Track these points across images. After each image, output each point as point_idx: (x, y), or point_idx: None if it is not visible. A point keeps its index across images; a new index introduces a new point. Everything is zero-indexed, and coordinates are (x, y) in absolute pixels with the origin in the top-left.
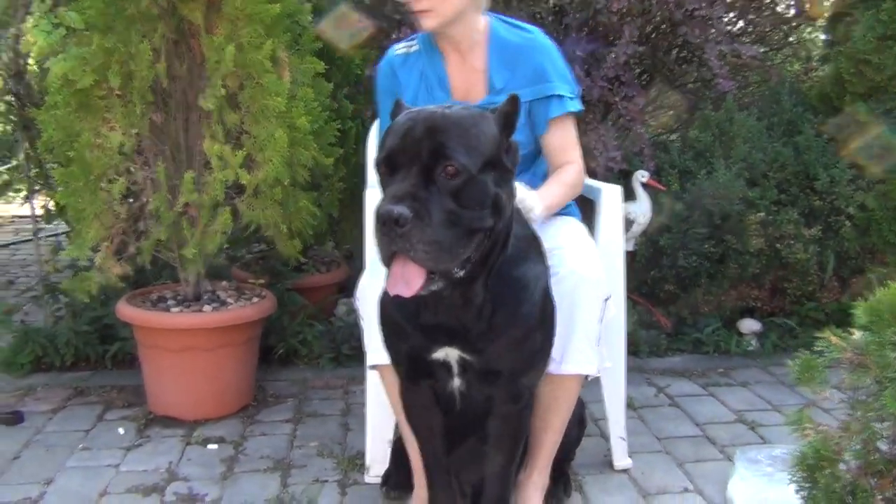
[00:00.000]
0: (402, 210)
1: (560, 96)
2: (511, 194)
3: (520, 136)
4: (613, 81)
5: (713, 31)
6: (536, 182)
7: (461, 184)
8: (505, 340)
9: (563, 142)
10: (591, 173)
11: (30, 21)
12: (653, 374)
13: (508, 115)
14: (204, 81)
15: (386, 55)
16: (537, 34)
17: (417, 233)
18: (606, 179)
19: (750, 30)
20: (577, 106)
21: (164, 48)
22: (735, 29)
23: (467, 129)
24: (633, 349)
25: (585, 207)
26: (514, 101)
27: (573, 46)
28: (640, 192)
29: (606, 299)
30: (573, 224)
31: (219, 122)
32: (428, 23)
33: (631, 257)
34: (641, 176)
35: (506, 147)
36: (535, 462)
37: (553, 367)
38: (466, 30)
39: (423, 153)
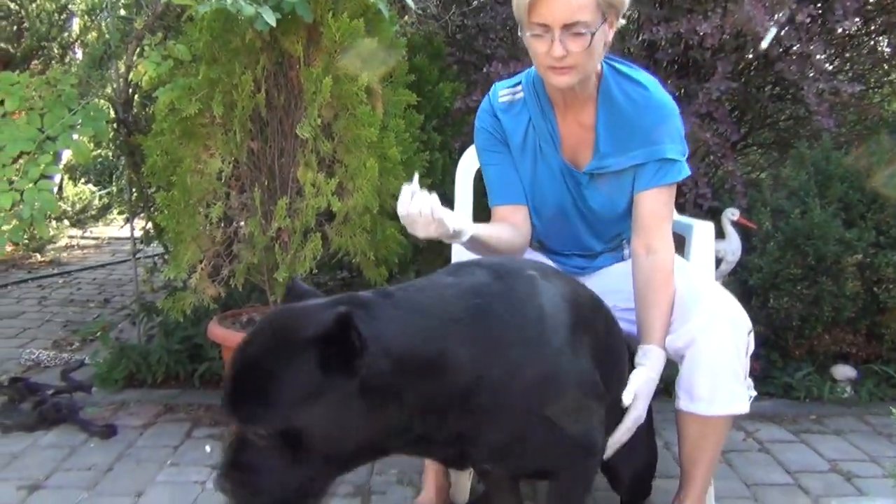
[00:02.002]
0: (223, 485)
1: (671, 161)
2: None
3: (614, 198)
4: (705, 117)
5: (811, 67)
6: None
7: (271, 443)
8: (514, 461)
9: (659, 210)
10: (680, 209)
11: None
12: (741, 418)
13: (329, 340)
14: (301, 111)
15: (488, 98)
16: (653, 91)
17: (252, 500)
18: (695, 216)
19: (847, 68)
20: (685, 172)
21: (264, 79)
22: (832, 67)
23: (262, 380)
24: None
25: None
26: (340, 320)
27: (663, 82)
28: (730, 230)
29: (749, 332)
30: (681, 268)
31: (313, 150)
32: (565, 80)
33: None
34: (731, 214)
35: (341, 363)
36: (687, 493)
37: (703, 409)
38: (587, 85)
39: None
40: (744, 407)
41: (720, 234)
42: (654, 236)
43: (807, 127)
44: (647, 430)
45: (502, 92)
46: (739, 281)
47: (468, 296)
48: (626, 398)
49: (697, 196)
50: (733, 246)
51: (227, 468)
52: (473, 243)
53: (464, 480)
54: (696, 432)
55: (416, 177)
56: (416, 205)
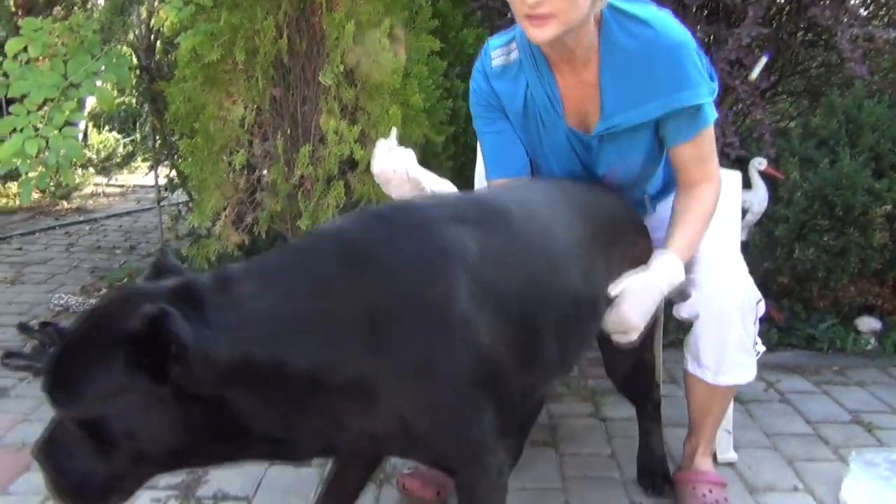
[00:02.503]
0: (37, 456)
1: (695, 108)
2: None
3: (628, 159)
4: (734, 64)
5: (845, 13)
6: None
7: (77, 430)
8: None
9: (700, 153)
10: None
11: None
12: (762, 369)
13: (139, 341)
14: (323, 58)
15: (481, 59)
16: (660, 28)
17: (58, 480)
18: (721, 165)
19: (882, 13)
20: (714, 114)
21: (286, 25)
22: (867, 12)
23: (72, 368)
24: None
25: None
26: (150, 322)
27: (692, 28)
28: (757, 180)
29: (759, 301)
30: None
31: (336, 97)
32: (545, 33)
33: (743, 248)
34: (759, 163)
35: (159, 364)
36: (699, 439)
37: (709, 377)
38: (582, 36)
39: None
40: (750, 376)
41: (747, 183)
42: (694, 174)
43: (839, 74)
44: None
45: (495, 53)
46: (765, 231)
47: (318, 286)
48: (612, 290)
49: (724, 145)
50: (760, 196)
51: (42, 442)
52: None
53: None
54: (703, 395)
55: (394, 132)
56: (391, 162)
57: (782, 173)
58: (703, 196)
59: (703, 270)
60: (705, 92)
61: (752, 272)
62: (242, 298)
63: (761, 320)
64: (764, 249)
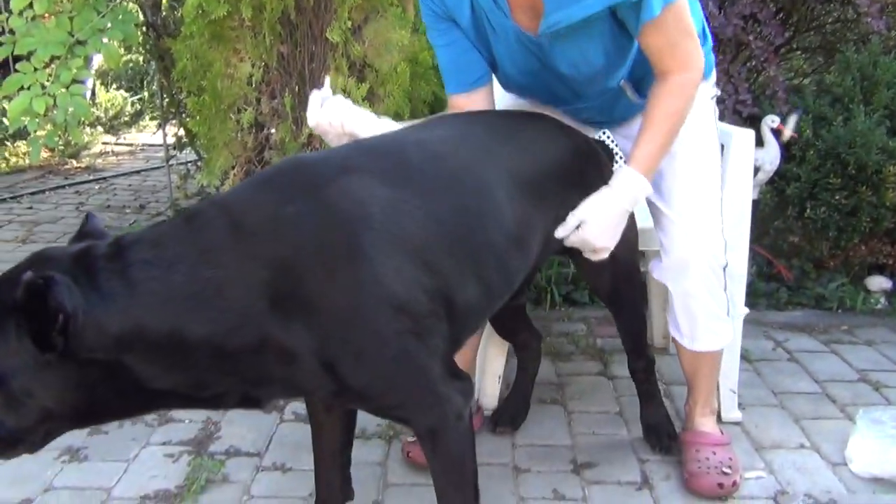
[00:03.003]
0: None
1: None
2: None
3: (587, 53)
4: (748, 19)
5: None
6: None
7: None
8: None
9: (668, 39)
10: (719, 116)
11: None
12: (771, 328)
13: (25, 310)
14: (330, 14)
15: None
16: None
17: None
18: (733, 123)
19: None
20: None
21: None
22: None
23: None
24: (752, 301)
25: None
26: (29, 290)
27: None
28: (769, 138)
29: (724, 267)
30: (678, 165)
31: (343, 54)
32: None
33: (754, 206)
34: (771, 121)
35: (43, 333)
36: (696, 399)
37: (687, 344)
38: None
39: None
40: (723, 342)
41: (759, 141)
42: (667, 62)
43: (855, 30)
44: (631, 286)
45: None
46: (777, 190)
47: (205, 254)
48: (560, 231)
49: (737, 102)
50: (772, 154)
51: None
52: None
53: (491, 385)
54: (688, 359)
55: (328, 81)
56: (325, 115)
57: (795, 131)
58: (674, 88)
59: (672, 220)
60: None
61: (762, 231)
62: (133, 267)
63: (773, 278)
64: (775, 208)
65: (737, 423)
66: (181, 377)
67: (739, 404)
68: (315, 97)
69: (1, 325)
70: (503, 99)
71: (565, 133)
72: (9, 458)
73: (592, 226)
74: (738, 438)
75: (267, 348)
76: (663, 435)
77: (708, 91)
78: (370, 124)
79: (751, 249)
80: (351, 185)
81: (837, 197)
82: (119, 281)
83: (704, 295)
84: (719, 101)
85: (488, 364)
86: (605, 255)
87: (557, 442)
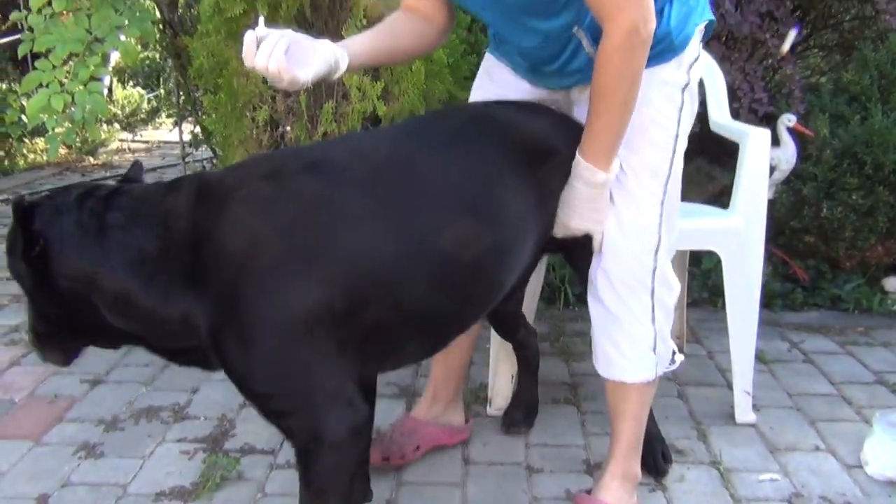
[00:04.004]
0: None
1: None
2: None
3: None
4: (765, 17)
5: None
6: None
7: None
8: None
9: None
10: (735, 114)
11: None
12: (786, 329)
13: (17, 227)
14: (346, 12)
15: None
16: None
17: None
18: (749, 122)
19: None
20: None
21: None
22: None
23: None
24: (767, 302)
25: (729, 150)
26: (15, 208)
27: None
28: (786, 137)
29: (652, 293)
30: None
31: None
32: None
33: (770, 206)
34: (788, 120)
35: (25, 251)
36: (611, 450)
37: (600, 369)
38: None
39: None
40: (638, 377)
41: (775, 141)
42: (603, 17)
43: (873, 27)
44: None
45: None
46: (793, 190)
47: (157, 222)
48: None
49: (752, 101)
50: (788, 153)
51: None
52: (366, 64)
53: (505, 386)
54: (610, 397)
55: (261, 21)
56: (261, 57)
57: (812, 130)
58: (608, 50)
59: (605, 238)
60: None
61: (778, 231)
62: (111, 214)
63: (789, 279)
64: (791, 208)
65: (751, 426)
66: (136, 325)
67: (754, 406)
68: (249, 37)
69: (12, 236)
70: (516, 87)
71: (535, 121)
72: (49, 360)
73: (570, 215)
74: (753, 440)
75: (187, 317)
76: (657, 456)
77: (674, 77)
78: (309, 61)
79: (766, 249)
80: (303, 181)
81: (854, 197)
82: (96, 223)
83: (626, 317)
84: (734, 98)
85: (500, 364)
86: (598, 234)
87: (570, 442)
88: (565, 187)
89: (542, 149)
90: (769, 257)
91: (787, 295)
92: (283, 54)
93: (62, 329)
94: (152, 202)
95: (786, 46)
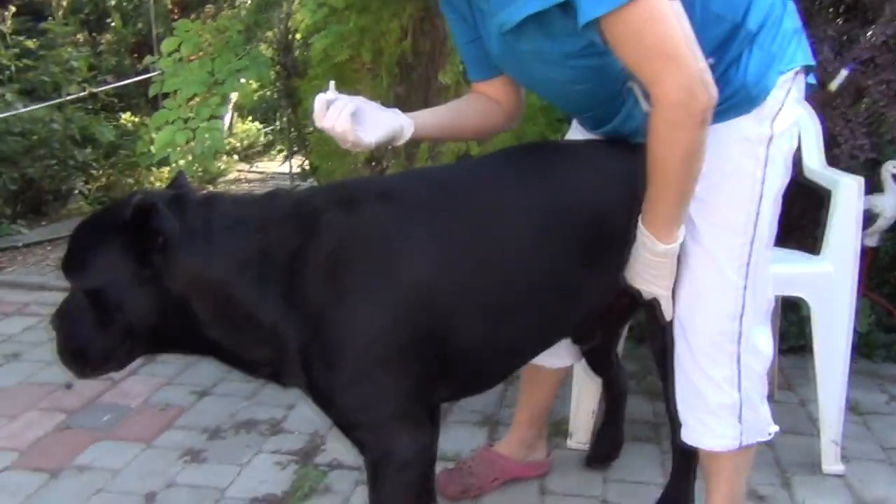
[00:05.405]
0: (52, 322)
1: None
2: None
3: (546, 56)
4: (868, 63)
5: None
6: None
7: (79, 298)
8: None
9: (629, 46)
10: (834, 160)
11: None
12: (886, 381)
13: (131, 226)
14: (444, 58)
15: None
16: None
17: (65, 343)
18: (849, 169)
19: None
20: None
21: (410, 26)
22: None
23: (81, 248)
24: (868, 352)
25: (820, 198)
26: (139, 208)
27: (824, 26)
28: (890, 184)
29: (738, 359)
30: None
31: (455, 95)
32: None
33: (874, 253)
34: (893, 167)
35: (145, 250)
36: None
37: (683, 434)
38: None
39: None
40: (717, 445)
41: (879, 187)
42: (644, 83)
43: None
44: None
45: None
46: None
47: (270, 235)
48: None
49: (854, 147)
50: (892, 201)
51: (58, 310)
52: (431, 136)
53: (585, 420)
54: (701, 462)
55: (332, 85)
56: (329, 120)
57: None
58: (649, 122)
59: (681, 304)
60: None
61: (881, 280)
62: (216, 217)
63: (891, 329)
64: (895, 256)
65: (839, 476)
66: (226, 329)
67: (843, 457)
68: (320, 100)
69: (107, 242)
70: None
71: (619, 165)
72: (98, 375)
73: (638, 278)
74: (840, 492)
75: (276, 326)
76: None
77: (755, 131)
78: (374, 126)
79: (868, 299)
80: (377, 210)
81: None
82: (203, 224)
83: (702, 379)
84: (834, 145)
85: (582, 400)
86: (666, 295)
87: (648, 480)
88: (634, 266)
89: (625, 189)
90: (872, 306)
91: (891, 346)
92: (348, 117)
93: (124, 337)
94: (251, 211)
95: (835, 85)
